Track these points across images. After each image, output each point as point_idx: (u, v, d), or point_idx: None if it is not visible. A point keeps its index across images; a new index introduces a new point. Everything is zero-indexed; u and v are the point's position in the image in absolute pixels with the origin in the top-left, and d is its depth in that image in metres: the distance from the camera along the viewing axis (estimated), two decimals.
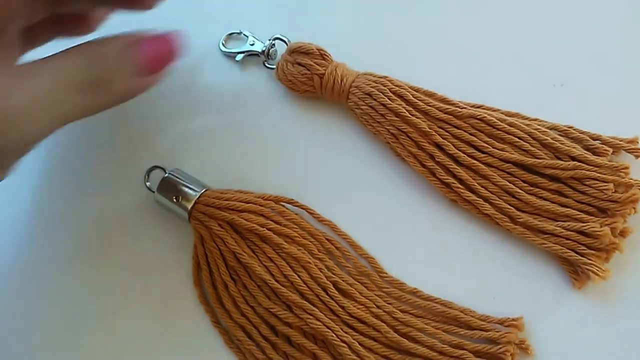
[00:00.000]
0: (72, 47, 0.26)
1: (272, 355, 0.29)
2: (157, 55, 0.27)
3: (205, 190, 0.32)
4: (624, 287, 0.30)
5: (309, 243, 0.31)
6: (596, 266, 0.29)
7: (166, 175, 0.32)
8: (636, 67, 0.35)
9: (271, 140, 0.35)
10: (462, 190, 0.31)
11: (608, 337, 0.29)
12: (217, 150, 0.35)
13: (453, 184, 0.31)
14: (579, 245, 0.29)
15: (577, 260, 0.29)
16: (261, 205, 0.32)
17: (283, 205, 0.32)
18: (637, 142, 0.32)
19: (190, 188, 0.32)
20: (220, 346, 0.30)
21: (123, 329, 0.31)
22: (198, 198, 0.31)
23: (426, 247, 0.32)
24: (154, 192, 0.32)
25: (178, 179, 0.32)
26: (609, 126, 0.32)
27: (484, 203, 0.31)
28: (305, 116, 0.35)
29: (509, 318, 0.29)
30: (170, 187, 0.32)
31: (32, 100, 0.23)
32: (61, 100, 0.24)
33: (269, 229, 0.30)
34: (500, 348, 0.28)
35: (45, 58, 0.25)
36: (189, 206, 0.31)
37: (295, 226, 0.31)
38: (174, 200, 0.31)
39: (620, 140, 0.32)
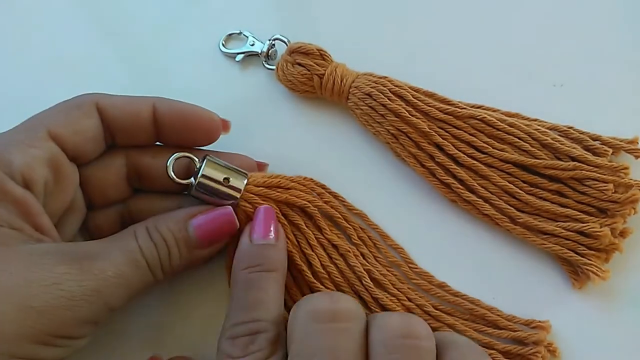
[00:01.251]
0: (137, 225, 0.27)
1: None
2: (213, 232, 0.28)
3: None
4: (624, 287, 0.30)
5: (349, 227, 0.31)
6: (596, 266, 0.29)
7: (208, 158, 0.29)
8: (636, 67, 0.35)
9: (271, 140, 0.35)
10: (462, 191, 0.31)
11: (608, 337, 0.29)
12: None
13: (453, 184, 0.31)
14: (579, 246, 0.30)
15: (577, 260, 0.29)
16: (303, 185, 0.31)
17: (322, 187, 0.32)
18: (637, 142, 0.32)
19: (236, 170, 0.29)
20: None
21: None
22: (249, 179, 0.29)
23: (426, 247, 0.32)
24: (193, 181, 0.29)
25: (220, 162, 0.29)
26: (609, 126, 0.32)
27: (484, 203, 0.31)
28: (305, 116, 0.35)
29: (535, 320, 0.29)
30: (217, 170, 0.29)
31: (95, 288, 0.24)
32: (124, 283, 0.25)
33: (315, 206, 0.30)
34: (531, 349, 0.28)
35: (112, 238, 0.27)
36: (242, 187, 0.29)
37: (334, 209, 0.31)
38: (223, 181, 0.29)
39: (620, 141, 0.32)
